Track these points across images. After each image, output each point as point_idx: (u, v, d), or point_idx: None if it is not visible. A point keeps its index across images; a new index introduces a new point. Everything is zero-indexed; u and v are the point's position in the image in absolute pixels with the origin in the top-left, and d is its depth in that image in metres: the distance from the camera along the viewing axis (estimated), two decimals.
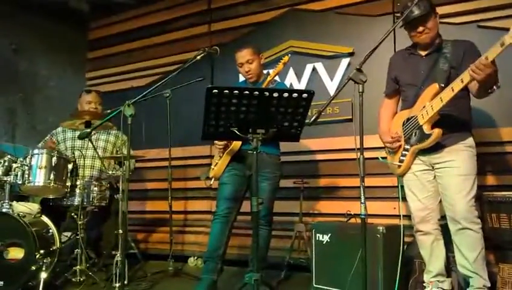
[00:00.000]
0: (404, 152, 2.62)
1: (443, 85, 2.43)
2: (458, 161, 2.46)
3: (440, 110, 2.41)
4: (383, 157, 2.77)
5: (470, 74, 2.22)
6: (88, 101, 3.79)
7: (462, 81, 2.30)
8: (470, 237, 2.41)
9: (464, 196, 2.41)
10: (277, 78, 3.86)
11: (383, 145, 2.80)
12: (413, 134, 2.55)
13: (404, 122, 2.63)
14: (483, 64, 2.16)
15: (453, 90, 2.34)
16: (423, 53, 2.61)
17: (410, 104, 2.62)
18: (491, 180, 3.11)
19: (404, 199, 2.70)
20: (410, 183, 2.65)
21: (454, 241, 2.48)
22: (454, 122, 2.49)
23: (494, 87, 2.31)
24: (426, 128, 2.48)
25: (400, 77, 2.72)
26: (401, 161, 2.63)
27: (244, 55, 2.98)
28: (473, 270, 2.41)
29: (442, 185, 2.52)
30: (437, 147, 2.49)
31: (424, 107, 2.48)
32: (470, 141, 2.51)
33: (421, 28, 2.52)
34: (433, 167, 2.57)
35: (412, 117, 2.57)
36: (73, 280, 3.17)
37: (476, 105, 2.83)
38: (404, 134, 2.62)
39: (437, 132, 2.43)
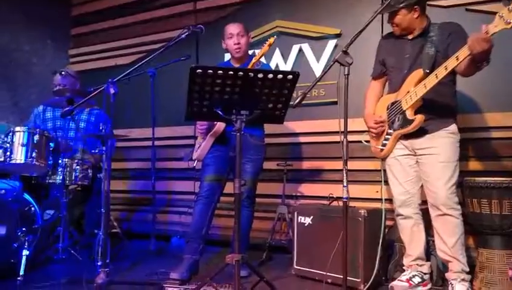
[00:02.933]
0: (387, 136, 2.63)
1: (428, 71, 2.42)
2: (439, 148, 2.47)
3: (423, 96, 2.42)
4: (366, 141, 2.79)
5: (468, 46, 2.17)
6: (55, 84, 3.67)
7: (446, 69, 2.29)
8: (450, 223, 2.44)
9: (445, 183, 2.43)
10: (262, 59, 3.84)
11: (367, 129, 2.81)
12: (397, 119, 2.56)
13: (388, 106, 2.63)
14: (482, 38, 2.12)
15: (437, 77, 2.33)
16: (410, 36, 2.60)
17: (395, 88, 2.62)
18: (475, 165, 3.13)
19: (386, 182, 2.72)
20: (392, 167, 2.67)
21: (434, 226, 2.52)
22: (437, 108, 2.49)
23: (485, 62, 2.27)
24: (409, 114, 2.49)
25: (386, 60, 2.72)
26: (383, 145, 2.65)
27: (236, 27, 2.96)
28: (451, 255, 2.45)
29: (423, 172, 2.54)
30: (419, 133, 2.50)
31: (408, 92, 2.49)
32: (453, 127, 2.51)
33: (390, 21, 2.58)
34: (415, 153, 2.58)
35: (396, 101, 2.57)
36: (56, 257, 3.18)
37: (461, 90, 2.84)
38: (388, 118, 2.63)
39: (419, 117, 2.45)
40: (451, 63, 2.27)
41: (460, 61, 2.24)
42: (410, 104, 2.47)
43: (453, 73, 2.47)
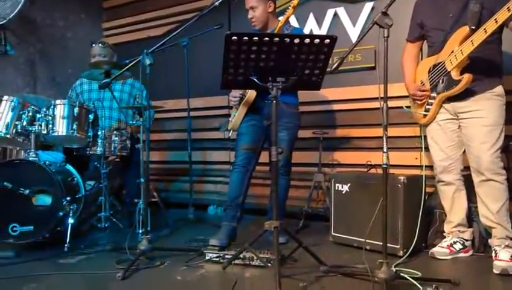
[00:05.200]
0: (430, 100, 2.54)
1: (474, 27, 2.29)
2: (485, 111, 2.38)
3: (470, 54, 2.30)
4: (407, 106, 2.70)
5: None
6: (96, 53, 3.74)
7: (496, 22, 2.16)
8: (494, 189, 2.38)
9: (489, 148, 2.35)
10: (296, 24, 3.76)
11: (406, 94, 2.73)
12: (441, 81, 2.46)
13: (430, 69, 2.53)
14: None
15: (485, 31, 2.20)
16: None
17: (437, 49, 2.51)
18: None
19: (426, 149, 2.66)
20: (434, 132, 2.59)
21: (477, 192, 2.45)
22: (483, 68, 2.38)
23: None
24: (455, 74, 2.38)
25: (426, 21, 2.58)
26: (426, 110, 2.57)
27: (249, 1, 2.91)
28: (496, 221, 2.39)
29: (466, 136, 2.46)
30: (465, 94, 2.40)
31: (452, 52, 2.37)
32: (499, 89, 2.40)
33: None
34: (457, 116, 2.50)
35: (439, 63, 2.47)
36: (99, 225, 3.31)
37: (507, 50, 2.69)
38: (430, 81, 2.53)
39: (467, 76, 2.34)
40: (502, 16, 2.13)
41: None
42: (455, 63, 2.35)
43: (499, 31, 2.34)
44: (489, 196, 2.40)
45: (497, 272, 2.27)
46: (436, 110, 2.54)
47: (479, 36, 2.23)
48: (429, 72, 2.54)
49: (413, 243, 2.51)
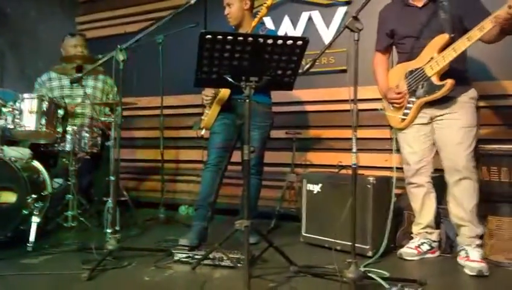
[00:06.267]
0: (408, 105, 2.58)
1: (453, 35, 2.37)
2: (461, 113, 2.45)
3: (451, 61, 2.36)
4: (381, 109, 2.74)
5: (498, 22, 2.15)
6: (73, 45, 3.67)
7: (481, 30, 2.23)
8: (470, 187, 2.45)
9: (466, 148, 2.43)
10: (272, 26, 3.78)
11: (377, 97, 2.77)
12: (420, 86, 2.50)
13: (406, 75, 2.57)
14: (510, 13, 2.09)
15: (469, 40, 2.28)
16: (419, 4, 2.53)
17: (409, 56, 2.56)
18: (487, 133, 3.10)
19: (397, 151, 2.69)
20: (409, 136, 2.63)
21: (452, 192, 2.50)
22: (458, 72, 2.45)
23: None
24: (435, 80, 2.44)
25: (397, 30, 2.64)
26: (405, 114, 2.60)
27: None
28: (468, 219, 2.45)
29: (442, 137, 2.51)
30: (445, 99, 2.46)
31: (432, 58, 2.43)
32: (472, 92, 2.49)
33: None
34: (432, 120, 2.55)
35: (416, 69, 2.51)
36: (65, 225, 3.20)
37: (474, 58, 2.78)
38: (408, 87, 2.57)
39: (450, 82, 2.39)
40: (487, 24, 2.20)
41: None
42: (436, 70, 2.41)
43: None
44: (464, 194, 2.45)
45: (473, 273, 2.30)
46: (415, 115, 2.57)
47: (462, 44, 2.31)
48: (406, 77, 2.57)
49: (382, 244, 2.54)
